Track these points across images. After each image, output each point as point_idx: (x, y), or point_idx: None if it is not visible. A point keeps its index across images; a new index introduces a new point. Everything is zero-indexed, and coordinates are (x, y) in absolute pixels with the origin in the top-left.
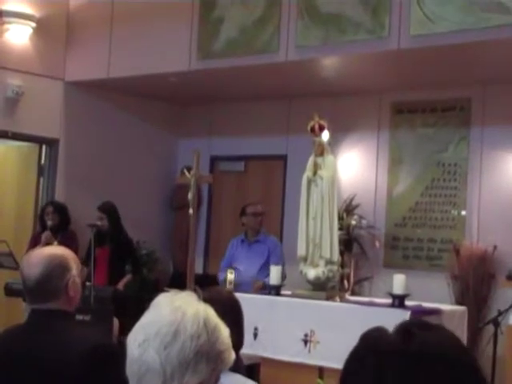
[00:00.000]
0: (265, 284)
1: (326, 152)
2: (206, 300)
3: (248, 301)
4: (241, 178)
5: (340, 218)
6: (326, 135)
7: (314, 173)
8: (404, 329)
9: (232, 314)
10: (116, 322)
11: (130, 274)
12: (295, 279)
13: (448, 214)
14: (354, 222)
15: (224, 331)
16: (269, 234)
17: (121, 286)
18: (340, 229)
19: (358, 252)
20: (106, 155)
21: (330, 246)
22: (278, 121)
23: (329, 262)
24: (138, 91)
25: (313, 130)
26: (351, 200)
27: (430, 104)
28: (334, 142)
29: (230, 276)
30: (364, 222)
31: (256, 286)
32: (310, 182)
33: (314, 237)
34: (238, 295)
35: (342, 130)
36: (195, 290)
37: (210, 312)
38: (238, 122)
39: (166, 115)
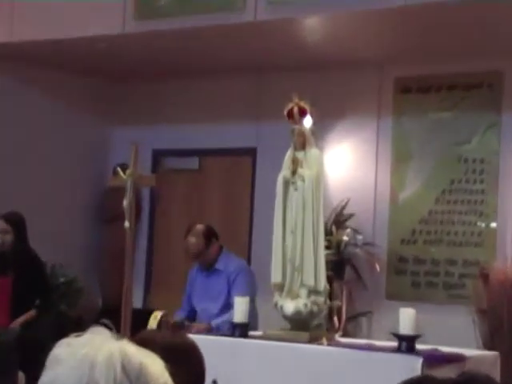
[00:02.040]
0: (211, 327)
1: (308, 144)
2: (138, 343)
3: (203, 344)
4: (194, 178)
5: (328, 233)
6: (308, 122)
7: (293, 172)
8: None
9: (181, 361)
10: (21, 376)
11: (34, 309)
12: (268, 315)
13: (472, 227)
14: (346, 238)
15: (156, 371)
16: (232, 256)
17: (17, 324)
18: (328, 247)
19: (352, 278)
20: (8, 149)
21: (315, 271)
22: (245, 103)
23: (313, 292)
24: (52, 61)
25: (291, 114)
26: (343, 208)
27: (447, 80)
28: (320, 131)
29: (153, 322)
30: (360, 237)
31: (196, 328)
32: (287, 184)
33: (293, 258)
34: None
35: (331, 115)
36: (105, 325)
37: (129, 351)
38: (191, 104)
39: (92, 95)
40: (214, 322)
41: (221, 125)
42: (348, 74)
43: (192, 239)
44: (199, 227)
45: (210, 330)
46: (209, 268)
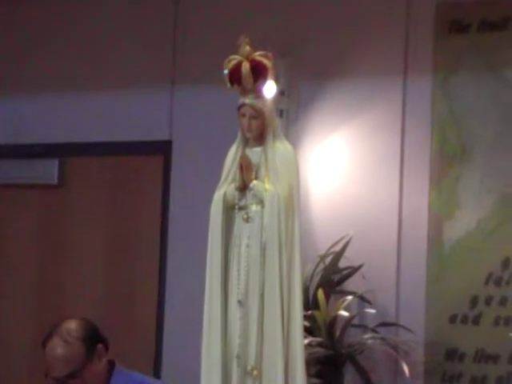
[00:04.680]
0: None
1: (271, 135)
2: None
3: None
4: (53, 197)
5: (311, 303)
6: (269, 90)
7: (242, 188)
8: None
9: None
10: None
11: None
12: None
13: None
14: (345, 314)
15: None
16: (127, 374)
17: None
18: (310, 331)
19: None
20: None
21: (285, 378)
22: (152, 55)
23: None
24: None
25: (235, 76)
26: (339, 255)
27: None
28: (297, 111)
29: None
30: (372, 312)
31: None
32: (231, 210)
33: (243, 353)
34: None
35: (318, 76)
36: None
37: None
38: (46, 60)
39: None
40: None
41: (100, 98)
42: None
43: (57, 354)
44: (72, 328)
45: None
46: None
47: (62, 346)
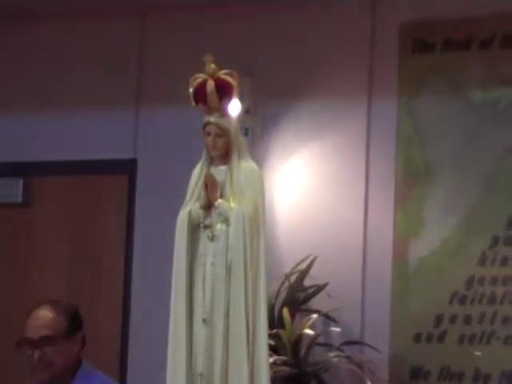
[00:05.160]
0: None
1: (236, 154)
2: None
3: None
4: (17, 216)
5: (276, 322)
6: (234, 109)
7: (207, 206)
8: None
9: None
10: None
11: None
12: None
13: None
14: (309, 332)
15: None
16: (93, 372)
17: None
18: (275, 350)
19: None
20: None
21: None
22: (116, 73)
23: None
24: None
25: (200, 95)
26: (304, 274)
27: (489, 28)
28: (262, 128)
29: None
30: (336, 330)
31: None
32: (197, 228)
33: (208, 372)
34: None
35: (283, 95)
36: None
37: None
38: (9, 79)
39: None
40: None
41: (65, 116)
42: (314, 13)
43: (41, 315)
44: (62, 303)
45: None
46: None
47: (49, 310)
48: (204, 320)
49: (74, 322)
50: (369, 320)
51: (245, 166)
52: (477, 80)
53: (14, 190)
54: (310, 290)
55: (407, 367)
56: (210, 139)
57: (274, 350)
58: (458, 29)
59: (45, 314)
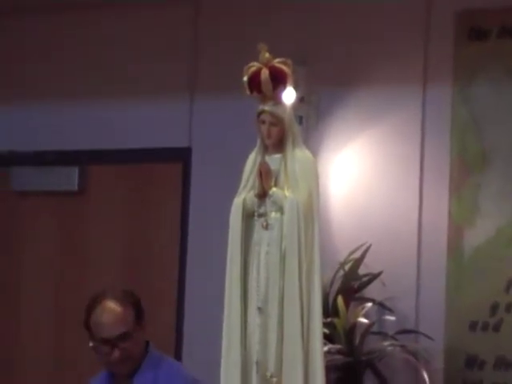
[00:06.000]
0: None
1: (290, 143)
2: None
3: None
4: (70, 206)
5: (330, 310)
6: (289, 97)
7: (261, 195)
8: None
9: None
10: None
11: None
12: None
13: None
14: (364, 321)
15: None
16: (161, 357)
17: None
18: (330, 338)
19: None
20: None
21: (304, 381)
22: (172, 62)
23: None
24: None
25: (255, 84)
26: (358, 263)
27: None
28: (316, 118)
29: None
30: (391, 319)
31: None
32: (250, 217)
33: (263, 359)
34: None
35: (338, 84)
36: None
37: None
38: (63, 68)
39: None
40: None
41: (120, 105)
42: (369, 8)
43: (112, 314)
44: (121, 293)
45: None
46: (126, 374)
47: (118, 306)
48: (259, 308)
49: (139, 309)
50: (423, 309)
51: (299, 154)
52: None
53: (70, 178)
54: (364, 279)
55: (462, 356)
56: (264, 128)
57: (328, 338)
58: None
59: (114, 309)
